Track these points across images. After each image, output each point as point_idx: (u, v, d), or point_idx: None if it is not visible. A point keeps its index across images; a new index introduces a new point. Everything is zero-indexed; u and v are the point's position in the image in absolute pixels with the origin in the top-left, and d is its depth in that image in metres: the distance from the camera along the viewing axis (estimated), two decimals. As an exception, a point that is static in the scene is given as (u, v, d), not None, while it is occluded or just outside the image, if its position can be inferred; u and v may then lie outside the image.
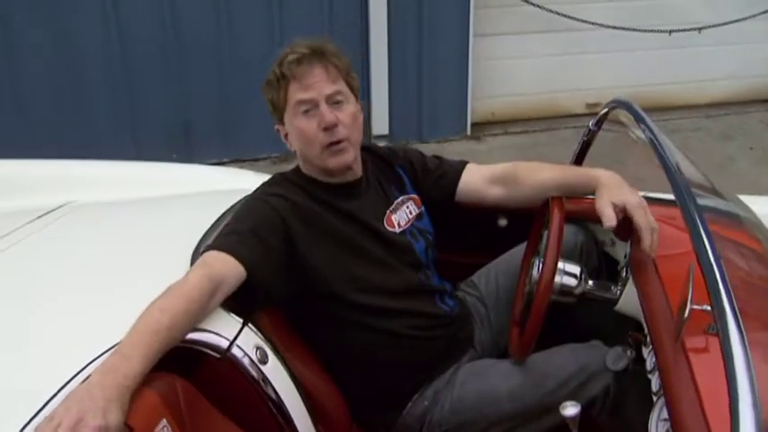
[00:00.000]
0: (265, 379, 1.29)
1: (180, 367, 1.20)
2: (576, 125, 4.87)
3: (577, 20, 4.66)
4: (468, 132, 4.82)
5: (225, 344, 1.25)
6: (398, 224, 1.59)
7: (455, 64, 4.60)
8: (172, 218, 1.74)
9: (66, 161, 2.16)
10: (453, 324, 1.61)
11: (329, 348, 1.53)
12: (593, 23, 4.70)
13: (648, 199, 1.49)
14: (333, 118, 1.45)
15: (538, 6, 4.59)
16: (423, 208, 1.68)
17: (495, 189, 1.67)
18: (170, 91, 4.25)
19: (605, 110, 1.84)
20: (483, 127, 4.89)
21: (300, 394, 1.37)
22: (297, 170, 1.59)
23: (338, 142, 1.48)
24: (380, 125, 4.53)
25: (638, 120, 1.49)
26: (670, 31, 4.83)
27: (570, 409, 1.22)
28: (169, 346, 1.12)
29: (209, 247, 1.35)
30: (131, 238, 1.61)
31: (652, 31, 4.82)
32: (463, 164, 1.72)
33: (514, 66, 4.87)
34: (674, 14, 4.88)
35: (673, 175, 1.24)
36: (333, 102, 1.47)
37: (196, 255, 1.40)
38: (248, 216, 1.43)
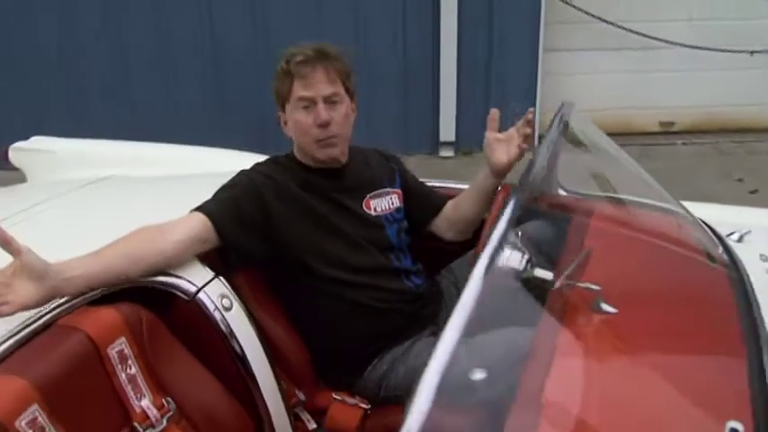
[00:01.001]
0: (228, 326, 1.50)
1: (154, 308, 1.43)
2: (647, 143, 4.84)
3: (654, 38, 4.65)
4: (536, 144, 4.87)
5: (193, 289, 1.47)
6: (375, 209, 1.78)
7: (524, 77, 4.71)
8: (195, 188, 2.00)
9: (123, 142, 2.51)
10: (418, 301, 1.76)
11: (298, 310, 1.73)
12: (670, 42, 4.67)
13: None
14: (327, 117, 1.65)
15: (612, 24, 4.62)
16: (403, 205, 1.86)
17: (449, 234, 1.91)
18: (256, 90, 4.60)
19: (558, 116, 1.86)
20: (549, 141, 4.92)
21: (264, 347, 1.56)
22: (290, 154, 1.80)
23: (329, 138, 1.68)
24: (447, 132, 4.70)
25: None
26: (752, 52, 4.71)
27: (477, 374, 1.36)
28: (114, 274, 1.35)
29: (194, 209, 1.58)
30: (157, 205, 1.89)
31: (732, 51, 4.72)
32: (444, 201, 1.92)
33: (587, 81, 4.91)
34: (755, 35, 4.75)
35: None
36: (329, 102, 1.67)
37: None
38: (231, 186, 1.66)
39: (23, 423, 1.14)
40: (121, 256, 1.38)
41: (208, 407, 1.46)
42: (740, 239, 1.57)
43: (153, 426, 1.33)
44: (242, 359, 1.51)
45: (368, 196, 1.79)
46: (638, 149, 4.58)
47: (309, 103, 1.66)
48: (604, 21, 4.62)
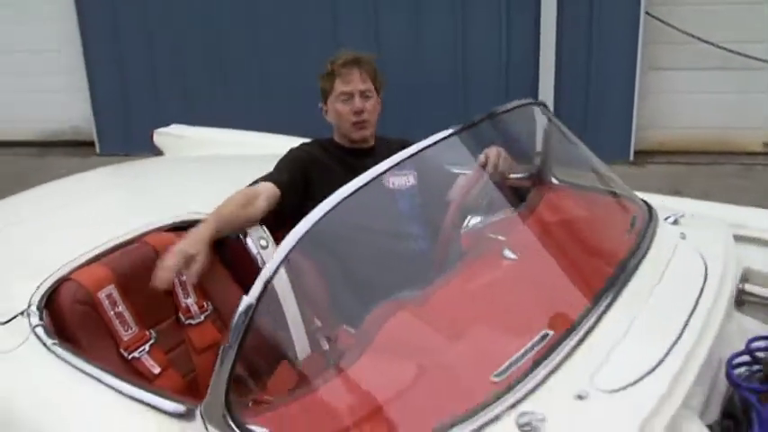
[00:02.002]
0: (262, 260, 2.02)
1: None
2: (746, 162, 4.87)
3: (756, 58, 4.69)
4: (631, 158, 5.07)
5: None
6: (392, 183, 2.24)
7: (621, 94, 4.94)
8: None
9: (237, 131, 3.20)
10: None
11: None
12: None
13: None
14: (361, 106, 2.19)
15: (712, 44, 4.72)
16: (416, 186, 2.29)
17: None
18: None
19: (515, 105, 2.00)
20: (648, 155, 5.11)
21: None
22: (330, 138, 2.32)
23: (362, 122, 2.19)
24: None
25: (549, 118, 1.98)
26: None
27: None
28: (225, 226, 1.89)
29: (263, 178, 2.11)
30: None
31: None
32: None
33: (688, 100, 5.03)
34: None
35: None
36: (363, 95, 2.20)
37: None
38: (284, 159, 2.20)
39: (103, 295, 1.73)
40: (229, 214, 1.91)
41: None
42: (675, 222, 1.86)
43: (192, 318, 1.89)
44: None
45: (389, 174, 2.25)
46: (738, 168, 4.67)
47: (348, 97, 2.20)
48: (705, 41, 4.73)
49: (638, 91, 4.95)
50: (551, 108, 4.97)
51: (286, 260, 1.24)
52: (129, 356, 1.75)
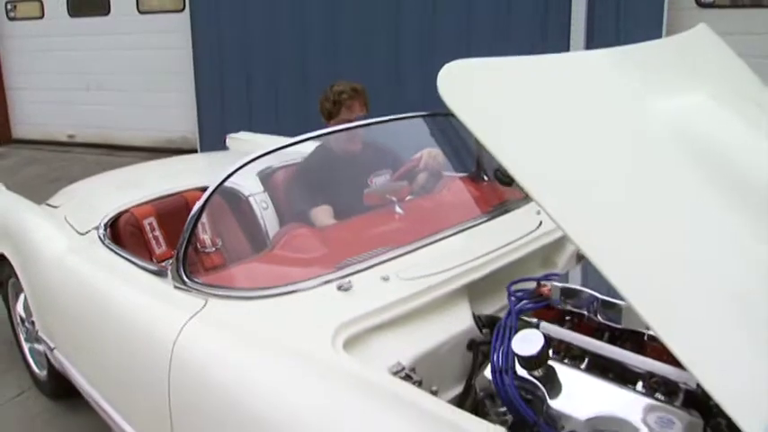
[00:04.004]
0: (263, 217, 2.90)
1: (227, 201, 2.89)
2: None
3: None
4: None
5: (248, 193, 2.90)
6: (375, 183, 3.04)
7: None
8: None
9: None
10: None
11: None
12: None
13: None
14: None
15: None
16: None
17: None
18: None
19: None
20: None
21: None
22: None
23: None
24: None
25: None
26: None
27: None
28: None
29: None
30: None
31: None
32: None
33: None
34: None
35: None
36: (361, 119, 2.99)
37: None
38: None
39: (146, 223, 2.67)
40: None
41: (242, 251, 2.87)
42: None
43: (206, 248, 2.78)
44: (267, 235, 2.89)
45: (372, 174, 3.06)
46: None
47: (351, 121, 2.98)
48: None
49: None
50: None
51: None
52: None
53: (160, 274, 2.11)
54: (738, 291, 1.31)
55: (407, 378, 1.60)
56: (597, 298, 1.73)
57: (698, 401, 1.50)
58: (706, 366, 1.16)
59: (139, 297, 2.09)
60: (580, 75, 1.50)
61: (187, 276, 2.01)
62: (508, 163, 1.23)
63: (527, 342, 1.56)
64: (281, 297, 1.86)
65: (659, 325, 1.17)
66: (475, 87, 1.31)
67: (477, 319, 1.92)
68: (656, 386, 1.58)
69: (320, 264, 2.02)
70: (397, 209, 2.38)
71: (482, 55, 1.30)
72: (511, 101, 1.35)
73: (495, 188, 2.76)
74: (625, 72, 1.57)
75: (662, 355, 1.63)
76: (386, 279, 1.92)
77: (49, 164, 7.76)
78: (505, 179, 1.64)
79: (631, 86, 1.54)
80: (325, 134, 2.49)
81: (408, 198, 2.50)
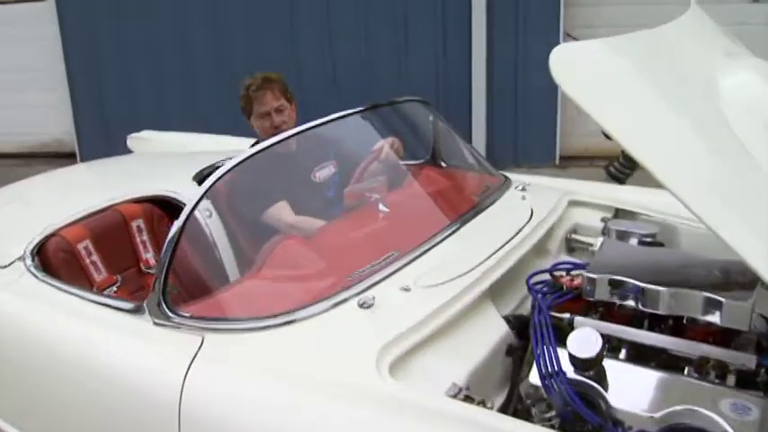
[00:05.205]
0: (208, 226, 2.57)
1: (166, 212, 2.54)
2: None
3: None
4: (557, 162, 5.70)
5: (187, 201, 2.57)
6: (318, 177, 2.77)
7: (547, 104, 5.56)
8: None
9: (194, 134, 3.76)
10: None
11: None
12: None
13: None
14: (279, 122, 2.72)
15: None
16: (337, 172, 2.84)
17: None
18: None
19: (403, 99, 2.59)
20: (573, 159, 5.73)
21: (233, 247, 2.61)
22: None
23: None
24: (479, 150, 5.63)
25: (434, 115, 2.55)
26: None
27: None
28: None
29: None
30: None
31: None
32: None
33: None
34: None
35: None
36: (278, 111, 2.72)
37: None
38: None
39: (81, 247, 2.28)
40: None
41: (193, 267, 2.54)
42: (523, 189, 2.41)
43: (151, 268, 2.44)
44: (215, 245, 2.56)
45: (314, 169, 2.80)
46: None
47: (265, 115, 2.71)
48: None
49: (561, 103, 5.60)
50: (484, 120, 5.62)
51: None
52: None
53: (135, 310, 1.77)
54: None
55: (468, 399, 1.44)
56: (641, 288, 1.65)
57: (750, 381, 1.49)
58: None
59: (113, 342, 1.74)
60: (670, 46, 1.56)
61: (171, 310, 1.70)
62: (628, 143, 1.29)
63: (585, 343, 1.49)
64: (299, 324, 1.61)
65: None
66: (585, 68, 1.39)
67: (507, 321, 1.77)
68: (712, 370, 1.54)
69: (329, 279, 1.78)
70: (381, 207, 2.17)
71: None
72: (618, 77, 1.43)
73: (463, 175, 2.62)
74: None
75: (706, 337, 1.61)
76: (406, 289, 1.72)
77: None
78: (618, 175, 1.61)
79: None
80: (266, 148, 2.11)
81: (385, 194, 2.29)
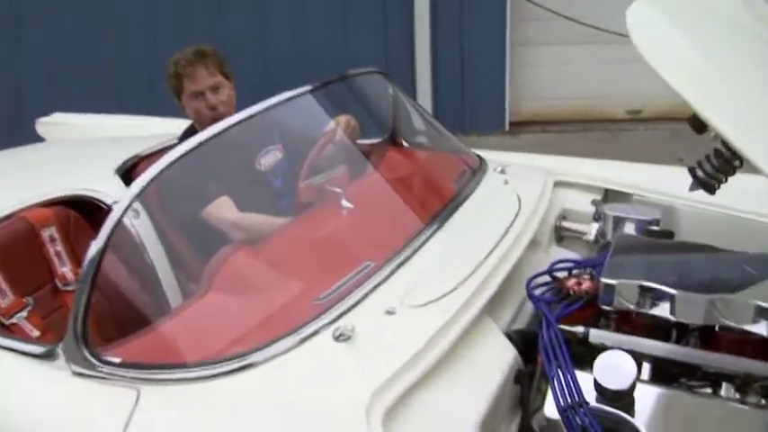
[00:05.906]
0: (134, 225, 2.16)
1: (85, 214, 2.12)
2: (611, 128, 5.32)
3: (614, 33, 5.09)
4: (507, 128, 5.44)
5: (110, 200, 2.15)
6: (262, 165, 2.37)
7: (494, 69, 5.30)
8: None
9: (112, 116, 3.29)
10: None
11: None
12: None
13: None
14: (215, 101, 2.27)
15: (573, 20, 5.11)
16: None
17: None
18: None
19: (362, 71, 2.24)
20: (523, 126, 5.49)
21: (169, 258, 2.18)
22: (192, 125, 2.41)
23: (219, 116, 2.22)
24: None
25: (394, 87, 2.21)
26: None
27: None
28: None
29: None
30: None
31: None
32: None
33: (560, 72, 5.42)
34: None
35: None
36: (214, 90, 2.28)
37: None
38: None
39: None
40: None
41: (115, 290, 2.15)
42: (502, 171, 2.11)
43: (69, 284, 2.03)
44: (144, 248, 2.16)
45: (258, 155, 2.40)
46: (604, 134, 5.12)
47: (199, 94, 2.27)
48: (566, 17, 5.11)
49: (509, 67, 5.33)
50: (429, 88, 5.29)
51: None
52: (8, 322, 1.88)
53: (47, 355, 1.38)
54: None
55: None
56: (672, 295, 1.43)
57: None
58: None
59: (14, 401, 1.35)
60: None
61: (94, 355, 1.32)
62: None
63: (615, 372, 1.28)
64: (260, 367, 1.26)
65: None
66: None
67: (510, 338, 1.49)
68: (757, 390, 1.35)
69: (293, 305, 1.42)
70: (345, 202, 1.83)
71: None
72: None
73: (432, 157, 2.29)
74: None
75: (742, 349, 1.41)
76: (391, 312, 1.40)
77: None
78: (709, 181, 1.31)
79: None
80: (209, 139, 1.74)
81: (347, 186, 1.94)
